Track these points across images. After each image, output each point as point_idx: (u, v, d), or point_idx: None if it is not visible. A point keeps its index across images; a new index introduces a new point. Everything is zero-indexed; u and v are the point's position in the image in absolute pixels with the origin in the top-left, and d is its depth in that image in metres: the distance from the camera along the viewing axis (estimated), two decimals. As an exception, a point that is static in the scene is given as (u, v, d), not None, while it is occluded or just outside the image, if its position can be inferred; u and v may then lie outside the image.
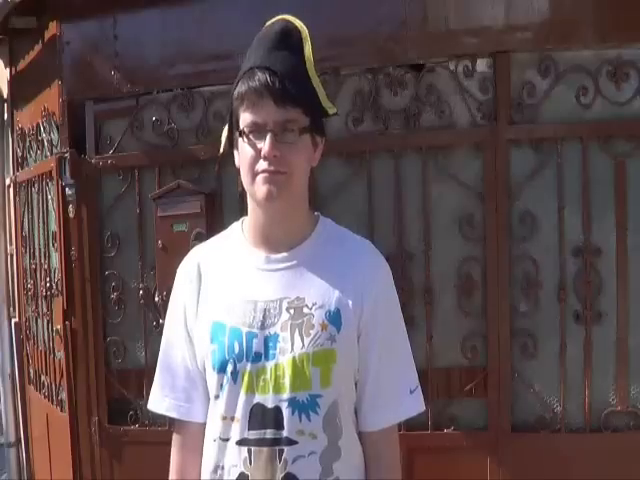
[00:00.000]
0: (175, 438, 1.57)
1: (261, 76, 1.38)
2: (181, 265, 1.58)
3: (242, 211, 2.68)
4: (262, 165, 1.39)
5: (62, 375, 3.25)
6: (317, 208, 1.57)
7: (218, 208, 2.84)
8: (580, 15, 2.54)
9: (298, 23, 1.45)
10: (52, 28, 3.17)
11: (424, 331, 2.61)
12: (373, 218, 2.67)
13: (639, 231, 2.54)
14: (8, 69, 3.90)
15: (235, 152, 1.48)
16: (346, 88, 2.68)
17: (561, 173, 2.56)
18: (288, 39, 1.43)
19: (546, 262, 2.58)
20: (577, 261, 2.57)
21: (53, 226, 3.34)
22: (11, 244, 4.24)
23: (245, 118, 1.40)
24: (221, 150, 1.53)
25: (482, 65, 2.61)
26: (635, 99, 2.55)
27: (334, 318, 1.42)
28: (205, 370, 1.48)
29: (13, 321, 4.20)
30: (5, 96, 4.07)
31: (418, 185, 2.65)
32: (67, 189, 3.08)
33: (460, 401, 2.64)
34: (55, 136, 3.28)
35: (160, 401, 1.56)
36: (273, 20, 1.47)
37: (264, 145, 1.38)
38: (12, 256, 4.22)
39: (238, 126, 1.42)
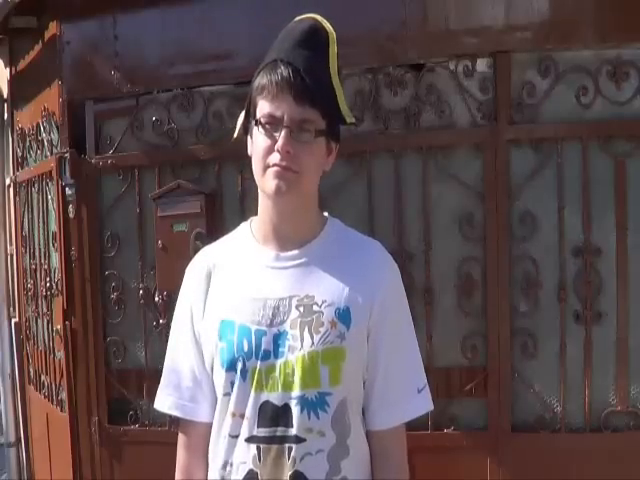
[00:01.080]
0: (180, 438, 1.57)
1: (284, 70, 1.37)
2: (189, 266, 1.57)
3: (242, 211, 2.71)
4: (274, 159, 1.39)
5: (62, 375, 3.25)
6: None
7: (218, 208, 2.84)
8: (580, 15, 2.54)
9: (327, 25, 1.44)
10: (52, 28, 3.17)
11: (424, 331, 2.60)
12: (373, 218, 2.66)
13: (639, 231, 2.54)
14: (8, 69, 3.90)
15: (249, 140, 1.48)
16: (346, 88, 2.64)
17: (561, 173, 2.55)
18: (314, 39, 1.42)
19: (546, 262, 2.58)
20: (577, 261, 2.56)
21: (53, 226, 3.34)
22: (11, 244, 4.24)
23: (262, 108, 1.40)
24: (235, 135, 1.53)
25: (482, 65, 2.61)
26: (635, 99, 2.55)
27: (344, 316, 1.42)
28: (213, 369, 1.48)
29: (13, 321, 4.20)
30: (5, 96, 4.07)
31: (418, 185, 2.65)
32: (67, 189, 3.08)
33: (460, 401, 2.64)
34: (55, 136, 3.28)
35: (164, 400, 1.56)
36: (302, 17, 1.46)
37: (279, 139, 1.37)
38: (12, 256, 4.22)
39: (255, 114, 1.42)
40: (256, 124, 1.41)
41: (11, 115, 4.01)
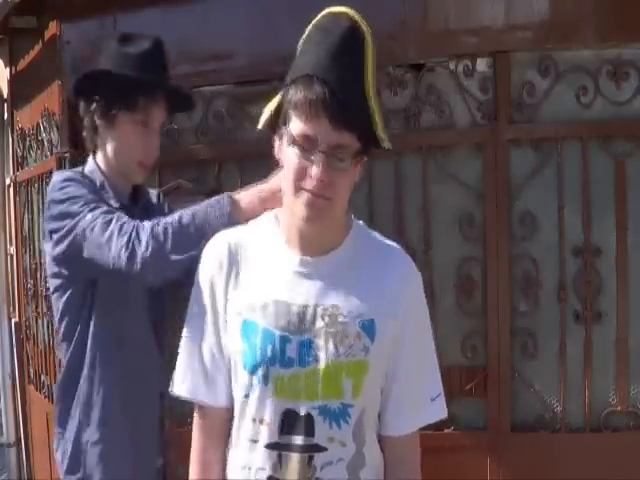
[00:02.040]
0: (197, 421, 1.54)
1: (319, 90, 1.29)
2: (208, 247, 1.51)
3: (242, 211, 2.70)
4: (308, 184, 1.34)
5: (62, 375, 3.24)
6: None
7: (218, 208, 2.83)
8: (580, 15, 2.54)
9: (364, 24, 1.35)
10: (52, 28, 3.16)
11: (424, 331, 2.60)
12: (373, 218, 2.66)
13: (639, 231, 2.54)
14: (8, 69, 3.91)
15: (276, 140, 1.42)
16: (346, 88, 2.68)
17: (561, 173, 2.55)
18: (353, 44, 1.33)
19: (546, 262, 2.58)
20: (577, 261, 2.56)
21: (53, 226, 3.33)
22: (11, 244, 4.24)
23: (296, 127, 1.33)
24: (259, 127, 1.47)
25: (482, 65, 2.61)
26: (635, 99, 2.55)
27: (368, 328, 1.41)
28: (232, 362, 1.46)
29: (13, 321, 4.20)
30: (5, 96, 4.08)
31: (418, 185, 2.65)
32: (67, 189, 3.07)
33: (460, 401, 2.63)
34: (55, 136, 3.27)
35: (181, 384, 1.52)
36: (336, 12, 1.36)
37: (314, 165, 1.32)
38: (12, 256, 4.22)
39: (286, 123, 1.36)
40: (290, 143, 1.35)
41: (11, 115, 4.02)
